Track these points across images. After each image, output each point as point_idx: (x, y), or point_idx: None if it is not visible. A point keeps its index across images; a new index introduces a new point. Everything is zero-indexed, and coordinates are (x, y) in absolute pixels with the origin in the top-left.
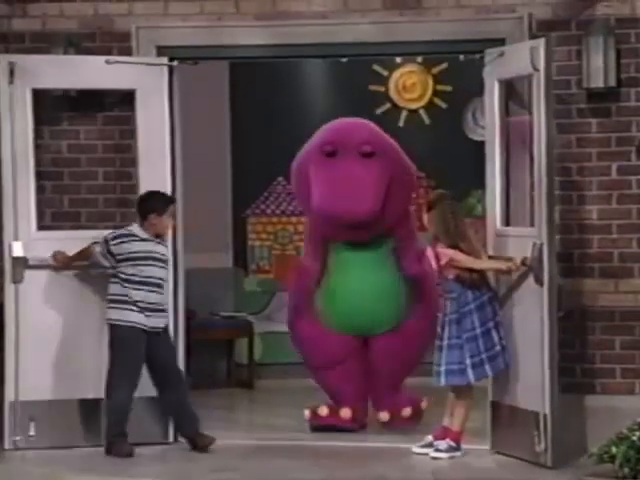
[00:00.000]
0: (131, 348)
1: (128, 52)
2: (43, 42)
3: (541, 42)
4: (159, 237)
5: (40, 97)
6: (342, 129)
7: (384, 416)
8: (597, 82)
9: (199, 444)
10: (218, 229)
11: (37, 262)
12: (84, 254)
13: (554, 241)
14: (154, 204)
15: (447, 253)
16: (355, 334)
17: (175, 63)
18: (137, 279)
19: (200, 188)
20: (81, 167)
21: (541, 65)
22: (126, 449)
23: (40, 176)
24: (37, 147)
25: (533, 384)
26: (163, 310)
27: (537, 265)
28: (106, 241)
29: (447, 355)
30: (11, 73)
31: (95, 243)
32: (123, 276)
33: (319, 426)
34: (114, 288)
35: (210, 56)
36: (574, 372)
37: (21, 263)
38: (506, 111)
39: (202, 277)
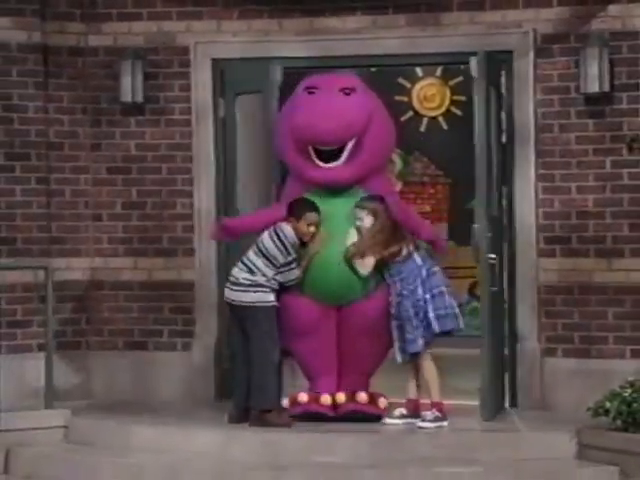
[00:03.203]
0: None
1: (187, 64)
2: (114, 55)
3: (482, 55)
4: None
5: (111, 104)
6: (325, 76)
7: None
8: (593, 88)
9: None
10: None
11: None
12: None
13: (487, 226)
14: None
15: None
16: (328, 301)
17: None
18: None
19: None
20: (147, 163)
21: (479, 73)
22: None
23: (112, 171)
24: (109, 146)
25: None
26: (239, 284)
27: (476, 246)
28: None
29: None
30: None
31: None
32: None
33: (299, 414)
34: None
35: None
36: (573, 339)
37: None
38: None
39: None
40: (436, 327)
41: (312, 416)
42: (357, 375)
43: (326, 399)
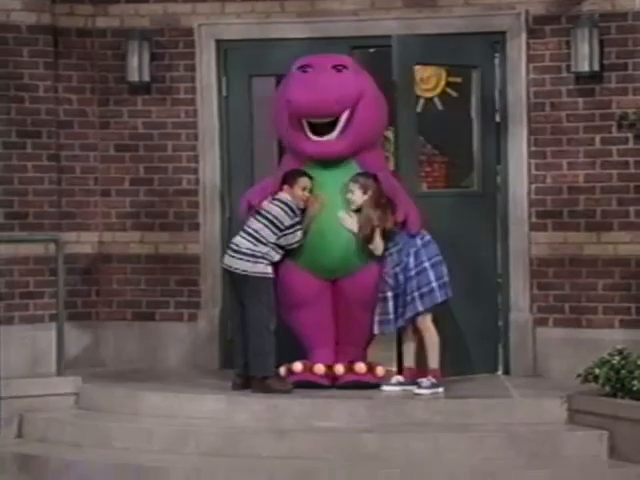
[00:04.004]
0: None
1: (192, 45)
2: (121, 37)
3: (396, 38)
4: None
5: (118, 83)
6: (318, 55)
7: (338, 369)
8: (583, 67)
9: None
10: None
11: None
12: None
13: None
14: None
15: None
16: (324, 273)
17: None
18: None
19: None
20: (153, 141)
21: (395, 55)
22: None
23: (119, 148)
24: (117, 124)
25: None
26: (241, 252)
27: None
28: None
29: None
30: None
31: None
32: None
33: (294, 383)
34: None
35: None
36: (564, 310)
37: None
38: None
39: None
40: (438, 296)
41: (308, 386)
42: (354, 346)
43: (319, 368)
